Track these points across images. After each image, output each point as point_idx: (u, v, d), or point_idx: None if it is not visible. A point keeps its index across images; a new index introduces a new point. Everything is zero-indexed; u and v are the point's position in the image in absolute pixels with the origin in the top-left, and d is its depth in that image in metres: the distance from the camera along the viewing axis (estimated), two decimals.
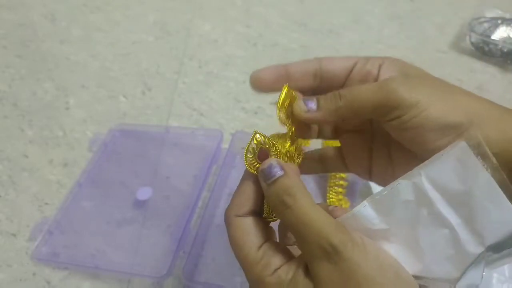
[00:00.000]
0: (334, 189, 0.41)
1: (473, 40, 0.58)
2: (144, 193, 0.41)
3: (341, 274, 0.16)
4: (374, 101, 0.20)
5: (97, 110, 0.51)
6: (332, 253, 0.17)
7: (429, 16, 0.65)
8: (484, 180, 0.19)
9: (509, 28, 0.58)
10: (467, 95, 0.20)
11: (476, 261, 0.19)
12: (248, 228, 0.20)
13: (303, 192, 0.18)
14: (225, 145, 0.44)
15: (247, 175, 0.22)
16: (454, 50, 0.59)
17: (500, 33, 0.57)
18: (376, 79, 0.24)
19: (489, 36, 0.57)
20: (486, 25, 0.59)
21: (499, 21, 0.59)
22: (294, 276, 0.18)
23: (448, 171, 0.19)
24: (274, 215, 0.21)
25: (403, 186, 0.19)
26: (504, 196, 0.19)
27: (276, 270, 0.19)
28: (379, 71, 0.24)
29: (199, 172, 0.43)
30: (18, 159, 0.46)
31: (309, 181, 0.43)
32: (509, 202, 0.19)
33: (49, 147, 0.47)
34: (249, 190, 0.21)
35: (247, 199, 0.20)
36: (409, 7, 0.67)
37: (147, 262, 0.37)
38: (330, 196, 0.41)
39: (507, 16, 0.60)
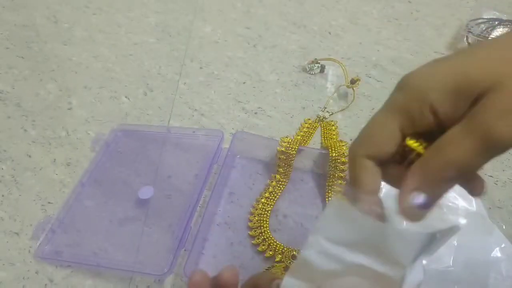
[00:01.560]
0: (333, 188, 0.42)
1: (470, 41, 0.59)
2: (146, 192, 0.42)
3: None
4: (478, 160, 0.17)
5: (100, 111, 0.52)
6: None
7: (427, 18, 0.65)
8: (369, 224, 0.19)
9: (506, 29, 0.59)
10: None
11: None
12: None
13: None
14: (225, 145, 0.45)
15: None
16: (451, 51, 0.59)
17: (497, 34, 0.58)
18: (437, 123, 0.19)
19: (486, 37, 0.58)
20: (483, 26, 0.60)
21: (496, 22, 0.60)
22: None
23: (336, 225, 0.19)
24: None
25: (309, 254, 0.20)
26: (387, 225, 0.19)
27: None
28: (437, 115, 0.19)
29: (200, 172, 0.43)
30: (21, 159, 0.47)
31: (308, 180, 0.44)
32: (396, 227, 0.19)
33: (52, 147, 0.48)
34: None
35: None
36: (407, 9, 0.68)
37: (148, 260, 0.37)
38: (329, 195, 0.42)
39: (504, 17, 0.61)
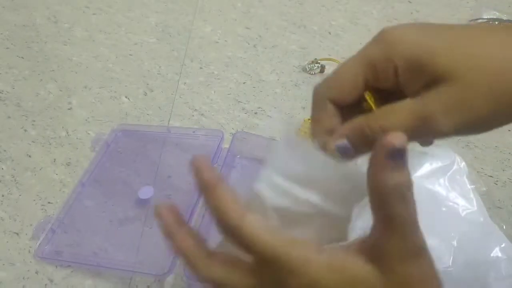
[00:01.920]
0: None
1: None
2: (146, 192, 0.42)
3: (421, 273, 0.18)
4: (410, 128, 0.18)
5: (100, 111, 0.52)
6: (421, 252, 0.18)
7: (427, 18, 0.65)
8: (320, 160, 0.19)
9: None
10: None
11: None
12: (260, 219, 0.19)
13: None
14: (225, 145, 0.45)
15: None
16: None
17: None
18: (397, 86, 0.20)
19: None
20: None
21: (496, 23, 0.60)
22: (349, 265, 0.18)
23: (288, 160, 0.19)
24: None
25: (260, 188, 0.19)
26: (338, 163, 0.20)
27: (321, 250, 0.18)
28: (397, 79, 0.20)
29: None
30: (21, 159, 0.47)
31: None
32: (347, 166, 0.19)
33: (52, 147, 0.48)
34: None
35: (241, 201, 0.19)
36: (407, 9, 0.68)
37: (149, 260, 0.37)
38: None
39: (504, 17, 0.61)
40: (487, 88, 0.17)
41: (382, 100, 0.20)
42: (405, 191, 0.17)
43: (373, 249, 0.18)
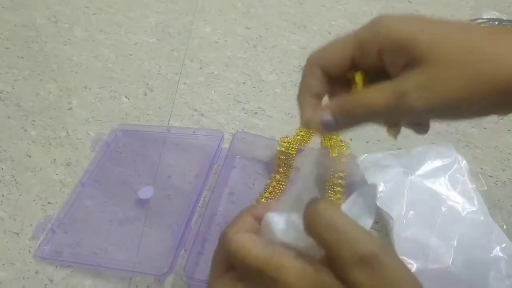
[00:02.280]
0: (333, 188, 0.42)
1: None
2: (146, 192, 0.42)
3: (380, 279, 0.17)
4: (387, 112, 0.20)
5: (100, 111, 0.52)
6: (369, 258, 0.17)
7: None
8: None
9: None
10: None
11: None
12: (253, 236, 0.20)
13: (335, 207, 0.19)
14: (225, 145, 0.45)
15: (245, 210, 0.23)
16: None
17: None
18: (381, 70, 0.22)
19: None
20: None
21: (496, 23, 0.60)
22: (321, 274, 0.18)
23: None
24: None
25: (271, 220, 0.21)
26: None
27: (297, 256, 0.18)
28: (381, 60, 0.22)
29: (200, 172, 0.43)
30: (21, 159, 0.47)
31: (308, 180, 0.44)
32: None
33: (52, 147, 0.48)
34: (249, 222, 0.22)
35: (251, 221, 0.22)
36: (407, 9, 0.68)
37: (148, 260, 0.37)
38: (329, 195, 0.42)
39: (504, 17, 0.61)
40: (459, 73, 0.19)
41: (370, 83, 0.22)
42: (320, 208, 0.19)
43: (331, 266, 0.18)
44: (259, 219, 0.22)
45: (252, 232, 0.21)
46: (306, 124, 0.23)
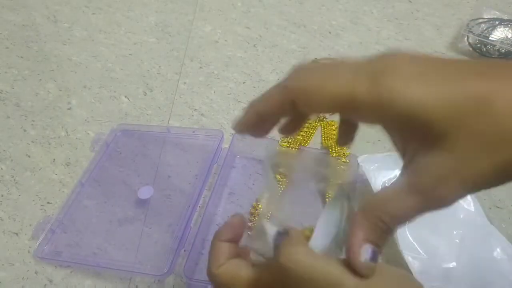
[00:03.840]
0: (333, 188, 0.42)
1: (471, 41, 0.59)
2: (145, 192, 0.42)
3: None
4: (417, 208, 0.17)
5: (99, 111, 0.52)
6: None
7: (427, 17, 0.65)
8: None
9: (506, 29, 0.59)
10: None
11: None
12: (235, 263, 0.23)
13: (306, 250, 0.19)
14: (225, 145, 0.45)
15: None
16: (452, 51, 0.59)
17: (498, 34, 0.58)
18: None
19: (487, 37, 0.58)
20: (483, 26, 0.60)
21: (497, 22, 0.60)
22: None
23: None
24: None
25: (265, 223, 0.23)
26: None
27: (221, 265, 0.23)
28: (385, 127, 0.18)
29: (200, 172, 0.43)
30: (20, 159, 0.47)
31: (308, 180, 0.44)
32: None
33: (51, 147, 0.48)
34: (223, 248, 0.24)
35: (229, 230, 0.25)
36: (407, 8, 0.67)
37: (148, 261, 0.37)
38: (329, 195, 0.42)
39: (505, 17, 0.60)
40: (484, 143, 0.15)
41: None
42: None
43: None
44: (233, 240, 0.24)
45: (231, 256, 0.23)
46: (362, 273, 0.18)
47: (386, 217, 0.17)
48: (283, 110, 0.21)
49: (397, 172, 0.41)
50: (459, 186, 0.16)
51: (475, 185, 0.16)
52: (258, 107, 0.22)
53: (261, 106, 0.22)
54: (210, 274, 0.23)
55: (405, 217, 0.17)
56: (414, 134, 0.16)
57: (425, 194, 0.16)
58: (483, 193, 0.42)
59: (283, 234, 0.21)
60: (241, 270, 0.22)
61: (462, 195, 0.16)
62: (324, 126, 0.49)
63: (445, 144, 0.15)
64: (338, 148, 0.41)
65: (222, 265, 0.23)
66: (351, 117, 0.19)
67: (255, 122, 0.23)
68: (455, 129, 0.15)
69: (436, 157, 0.16)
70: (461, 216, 0.39)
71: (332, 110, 0.18)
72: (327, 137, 0.48)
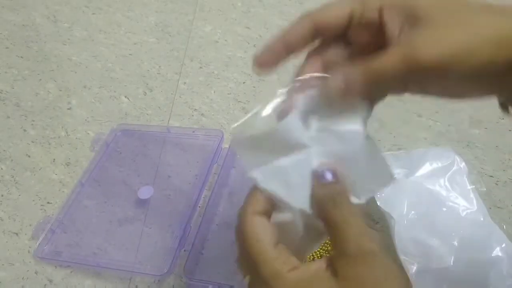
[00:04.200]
0: None
1: None
2: (145, 192, 0.42)
3: (373, 274, 0.18)
4: (399, 75, 0.19)
5: (99, 110, 0.52)
6: (369, 254, 0.18)
7: None
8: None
9: None
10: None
11: None
12: (266, 226, 0.20)
13: (350, 200, 0.20)
14: (225, 145, 0.45)
15: None
16: None
17: None
18: (379, 29, 0.21)
19: None
20: None
21: None
22: (317, 272, 0.19)
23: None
24: None
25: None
26: None
27: (295, 267, 0.19)
28: (382, 17, 0.21)
29: (200, 172, 0.43)
30: (20, 159, 0.47)
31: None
32: None
33: (51, 147, 0.48)
34: (261, 201, 0.21)
35: (264, 199, 0.21)
36: None
37: (148, 260, 0.37)
38: None
39: None
40: (461, 27, 0.19)
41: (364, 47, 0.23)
42: (336, 198, 0.20)
43: (330, 261, 0.19)
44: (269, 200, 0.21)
45: (265, 213, 0.21)
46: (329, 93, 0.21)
47: (365, 69, 0.20)
48: (309, 37, 0.23)
49: (397, 173, 0.41)
50: (439, 49, 0.19)
51: (452, 53, 0.19)
52: (285, 36, 0.23)
53: (288, 35, 0.23)
54: (243, 214, 0.21)
55: (384, 72, 0.20)
56: (405, 15, 0.21)
57: (410, 54, 0.19)
58: (483, 193, 0.42)
59: None
60: (265, 236, 0.20)
61: (440, 60, 0.19)
62: None
63: (430, 20, 0.20)
64: None
65: (296, 268, 0.19)
66: (361, 20, 0.22)
67: (280, 53, 0.23)
68: (437, 10, 0.20)
69: (421, 28, 0.20)
70: (463, 215, 0.39)
71: (345, 26, 0.22)
72: None
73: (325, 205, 0.20)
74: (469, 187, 0.41)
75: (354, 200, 0.21)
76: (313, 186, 0.21)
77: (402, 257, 0.36)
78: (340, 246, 0.19)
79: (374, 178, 0.21)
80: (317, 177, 0.21)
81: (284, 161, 0.21)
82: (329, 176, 0.20)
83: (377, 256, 0.18)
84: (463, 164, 0.42)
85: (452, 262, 0.36)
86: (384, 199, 0.39)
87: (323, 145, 0.21)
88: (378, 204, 0.39)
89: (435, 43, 0.19)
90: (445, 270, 0.35)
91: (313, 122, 0.22)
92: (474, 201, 0.40)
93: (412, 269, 0.35)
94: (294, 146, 0.21)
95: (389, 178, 0.22)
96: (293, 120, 0.21)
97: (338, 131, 0.22)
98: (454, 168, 0.41)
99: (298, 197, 0.21)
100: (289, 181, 0.21)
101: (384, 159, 0.22)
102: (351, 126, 0.22)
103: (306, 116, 0.22)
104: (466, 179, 0.41)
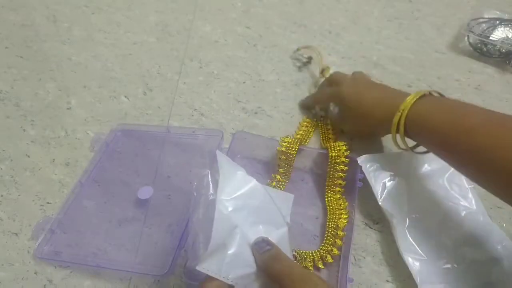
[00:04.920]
0: (332, 188, 0.42)
1: (471, 40, 0.59)
2: (145, 192, 0.41)
3: (318, 282, 0.27)
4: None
5: (99, 110, 0.52)
6: (307, 274, 0.27)
7: (428, 17, 0.65)
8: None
9: (507, 28, 0.59)
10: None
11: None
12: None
13: (284, 253, 0.29)
14: (225, 145, 0.45)
15: None
16: (452, 50, 0.59)
17: (498, 34, 0.58)
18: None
19: (488, 37, 0.58)
20: (484, 25, 0.59)
21: (497, 22, 0.60)
22: None
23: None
24: None
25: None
26: None
27: None
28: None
29: (200, 172, 0.43)
30: (20, 159, 0.47)
31: (308, 181, 0.44)
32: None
33: (51, 147, 0.48)
34: None
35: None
36: (408, 8, 0.67)
37: (148, 261, 0.37)
38: (329, 195, 0.42)
39: (506, 17, 0.60)
40: (355, 115, 0.43)
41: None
42: (276, 257, 0.28)
43: None
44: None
45: None
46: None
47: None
48: None
49: (397, 172, 0.41)
50: (345, 125, 0.46)
51: (348, 129, 0.46)
52: None
53: None
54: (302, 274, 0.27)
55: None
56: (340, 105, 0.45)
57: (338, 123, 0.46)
58: (483, 193, 0.42)
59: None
60: None
61: (348, 130, 0.46)
62: (321, 126, 0.49)
63: (346, 108, 0.44)
64: (337, 147, 0.41)
65: None
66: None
67: None
68: (350, 102, 0.43)
69: (341, 112, 0.45)
70: (462, 214, 0.39)
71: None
72: (324, 137, 0.48)
73: (271, 264, 0.28)
74: (467, 186, 0.41)
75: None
76: (255, 255, 0.28)
77: (405, 255, 0.36)
78: (289, 282, 0.26)
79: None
80: (258, 248, 0.28)
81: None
82: (265, 245, 0.29)
83: (312, 274, 0.28)
84: None
85: (454, 260, 0.36)
86: (385, 199, 0.39)
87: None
88: (380, 204, 0.39)
89: (342, 122, 0.46)
90: (448, 268, 0.36)
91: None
92: (473, 201, 0.40)
93: (415, 266, 0.35)
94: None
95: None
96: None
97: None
98: (453, 168, 0.41)
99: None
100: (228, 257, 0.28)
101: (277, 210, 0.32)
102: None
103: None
104: (464, 179, 0.41)
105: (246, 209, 0.29)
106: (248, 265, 0.28)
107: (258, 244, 0.28)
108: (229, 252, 0.27)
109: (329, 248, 0.38)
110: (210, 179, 0.29)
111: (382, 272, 0.37)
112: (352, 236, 0.37)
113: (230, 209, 0.29)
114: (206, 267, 0.26)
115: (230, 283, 0.27)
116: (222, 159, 0.31)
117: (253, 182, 0.31)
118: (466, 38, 0.59)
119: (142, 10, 0.66)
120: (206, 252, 0.26)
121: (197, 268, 0.26)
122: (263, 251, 0.28)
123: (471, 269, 0.35)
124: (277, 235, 0.30)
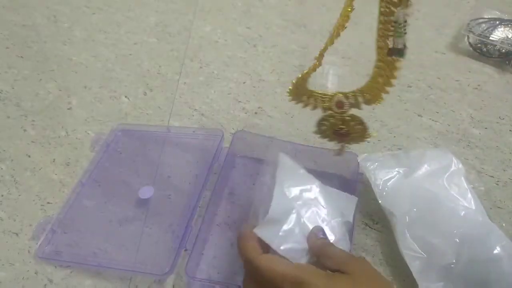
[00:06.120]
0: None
1: (471, 41, 0.59)
2: (146, 192, 0.42)
3: (367, 267, 0.29)
4: None
5: (99, 110, 0.52)
6: (358, 258, 0.29)
7: (428, 17, 0.65)
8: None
9: (507, 29, 0.59)
10: None
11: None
12: (275, 257, 0.30)
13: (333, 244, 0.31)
14: (225, 145, 0.45)
15: None
16: (452, 51, 0.59)
17: (498, 34, 0.58)
18: None
19: (487, 37, 0.58)
20: (484, 26, 0.60)
21: (497, 22, 0.60)
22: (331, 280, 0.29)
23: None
24: None
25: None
26: None
27: (313, 272, 0.29)
28: None
29: (200, 172, 0.43)
30: (20, 159, 0.47)
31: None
32: None
33: (51, 147, 0.48)
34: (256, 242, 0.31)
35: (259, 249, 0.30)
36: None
37: (149, 260, 0.37)
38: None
39: (505, 17, 0.61)
40: None
41: None
42: (327, 243, 0.31)
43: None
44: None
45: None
46: None
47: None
48: None
49: (396, 171, 0.41)
50: None
51: None
52: None
53: None
54: (252, 258, 0.28)
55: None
56: None
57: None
58: (483, 194, 0.42)
59: None
60: (278, 262, 0.28)
61: None
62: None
63: None
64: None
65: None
66: None
67: None
68: None
69: None
70: (462, 214, 0.39)
71: None
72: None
73: (323, 247, 0.30)
74: (467, 186, 0.41)
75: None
76: (309, 238, 0.31)
77: (404, 255, 0.36)
78: (336, 261, 0.29)
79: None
80: (314, 234, 0.31)
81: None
82: (321, 234, 0.32)
83: (364, 259, 0.30)
84: (460, 165, 0.42)
85: (454, 259, 0.36)
86: (386, 198, 0.40)
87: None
88: (380, 203, 0.39)
89: None
90: (447, 267, 0.36)
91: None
92: (472, 201, 0.40)
93: (415, 265, 0.35)
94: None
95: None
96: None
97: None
98: (452, 169, 0.42)
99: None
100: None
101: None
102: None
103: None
104: (463, 179, 0.41)
105: (304, 200, 0.33)
106: (298, 242, 0.30)
107: (316, 229, 0.32)
108: (284, 228, 0.30)
109: None
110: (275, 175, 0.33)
111: (382, 272, 0.37)
112: (352, 236, 0.37)
113: (290, 196, 0.33)
114: (263, 233, 0.30)
115: (280, 253, 0.29)
116: (285, 159, 0.35)
117: (313, 180, 0.35)
118: (466, 38, 0.59)
119: (143, 11, 0.67)
120: (263, 222, 0.31)
121: (255, 230, 0.30)
122: (318, 238, 0.31)
123: (470, 268, 0.35)
124: (337, 229, 0.33)
